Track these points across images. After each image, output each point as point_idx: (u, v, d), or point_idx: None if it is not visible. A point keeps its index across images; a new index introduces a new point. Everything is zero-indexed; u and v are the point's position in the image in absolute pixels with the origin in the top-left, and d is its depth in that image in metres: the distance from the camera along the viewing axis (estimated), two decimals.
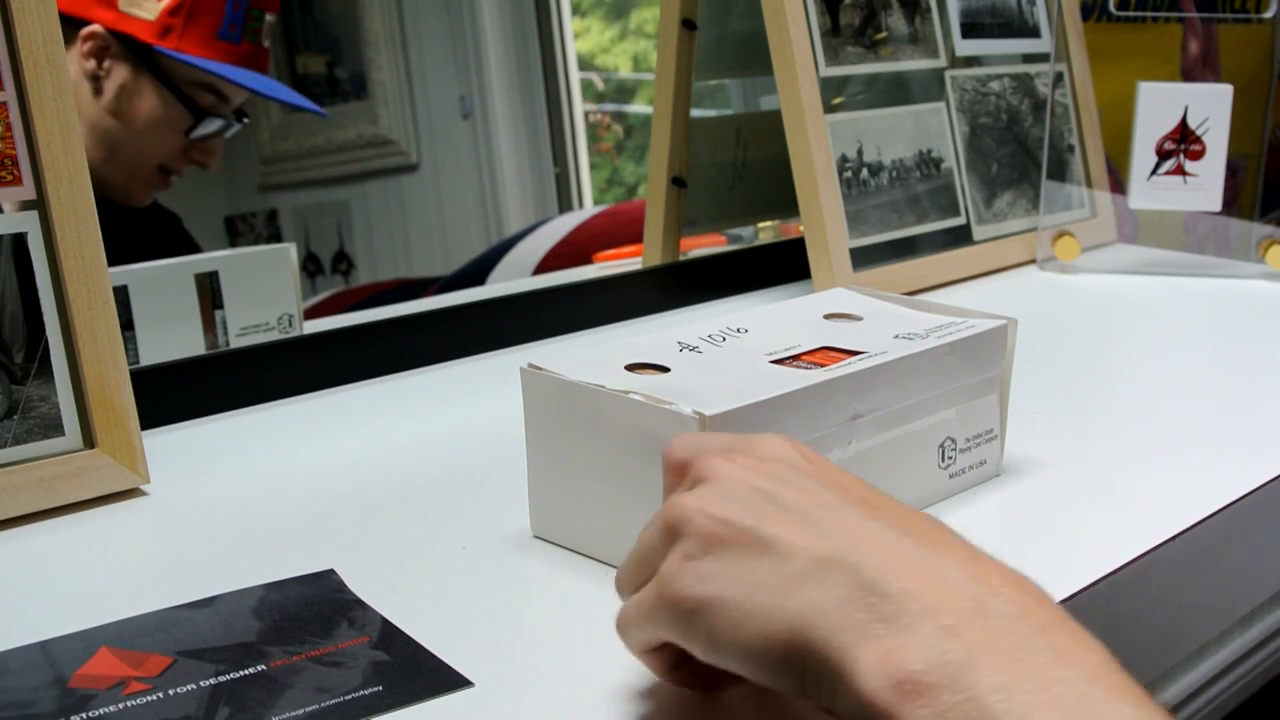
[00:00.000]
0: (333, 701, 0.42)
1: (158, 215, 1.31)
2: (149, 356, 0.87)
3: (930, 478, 0.57)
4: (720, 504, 0.38)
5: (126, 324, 0.87)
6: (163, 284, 0.92)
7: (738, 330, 0.58)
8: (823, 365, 0.53)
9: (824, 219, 0.96)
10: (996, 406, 0.59)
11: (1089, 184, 1.21)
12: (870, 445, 0.53)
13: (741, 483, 0.38)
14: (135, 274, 0.90)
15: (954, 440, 0.57)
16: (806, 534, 0.36)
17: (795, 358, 0.54)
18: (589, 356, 0.54)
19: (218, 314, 0.92)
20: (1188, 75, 1.19)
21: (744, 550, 0.36)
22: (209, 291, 0.92)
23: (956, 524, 0.40)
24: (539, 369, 0.53)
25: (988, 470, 0.60)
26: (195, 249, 1.32)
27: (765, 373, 0.52)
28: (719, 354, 0.55)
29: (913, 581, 0.34)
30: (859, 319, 0.61)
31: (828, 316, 0.61)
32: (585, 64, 2.51)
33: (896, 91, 1.07)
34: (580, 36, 2.54)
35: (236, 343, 0.93)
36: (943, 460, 0.57)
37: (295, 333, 0.95)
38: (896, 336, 0.57)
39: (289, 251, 1.00)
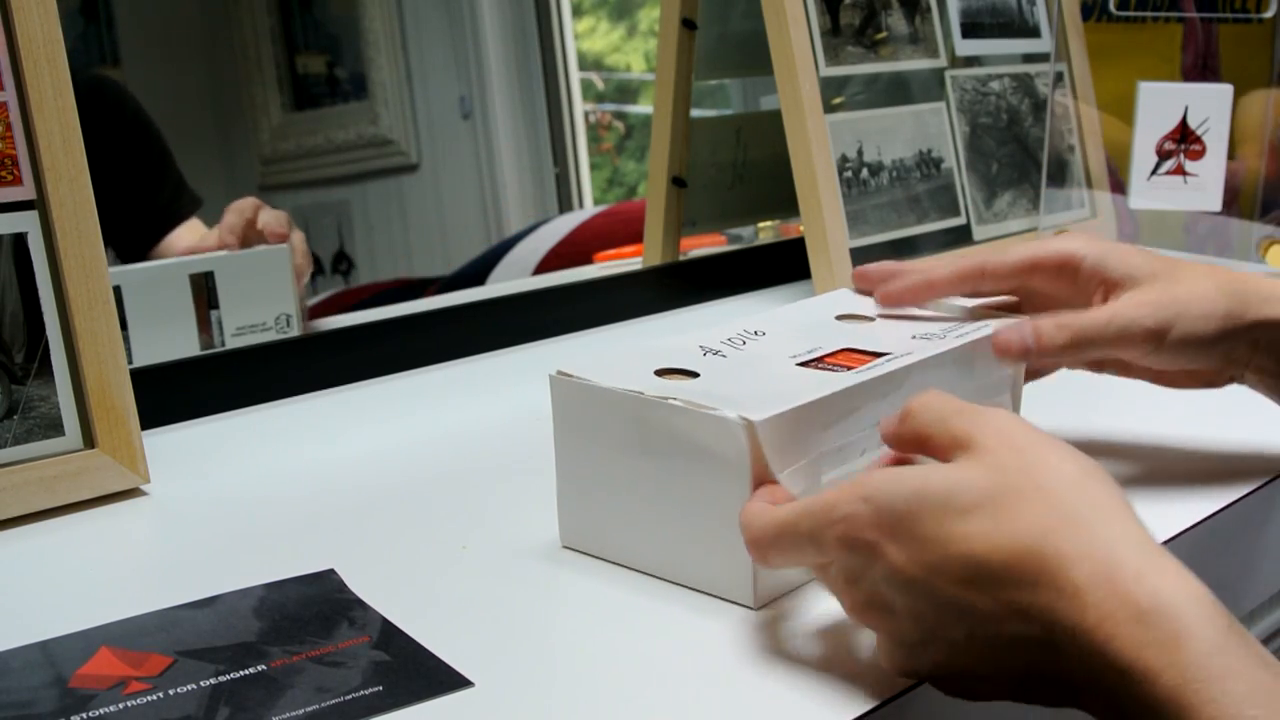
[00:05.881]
0: (333, 701, 0.42)
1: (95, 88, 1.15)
2: (142, 358, 0.87)
3: None
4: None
5: (119, 324, 0.87)
6: (157, 284, 0.91)
7: (755, 333, 0.58)
8: (850, 367, 0.52)
9: (824, 219, 0.96)
10: (1010, 406, 0.59)
11: (1089, 184, 1.21)
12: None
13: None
14: (128, 274, 0.90)
15: None
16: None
17: (819, 360, 0.54)
18: (613, 362, 0.52)
19: (213, 314, 0.92)
20: (1188, 75, 1.19)
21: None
22: (204, 292, 0.92)
23: None
24: (569, 376, 0.52)
25: None
26: (146, 124, 1.14)
27: (795, 375, 0.52)
28: (742, 357, 0.55)
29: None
30: (870, 319, 0.61)
31: (839, 318, 0.61)
32: (598, 64, 2.51)
33: (896, 91, 1.07)
34: (589, 36, 2.54)
35: (232, 343, 0.92)
36: None
37: (293, 333, 0.95)
38: (914, 337, 0.57)
39: (287, 251, 0.99)
